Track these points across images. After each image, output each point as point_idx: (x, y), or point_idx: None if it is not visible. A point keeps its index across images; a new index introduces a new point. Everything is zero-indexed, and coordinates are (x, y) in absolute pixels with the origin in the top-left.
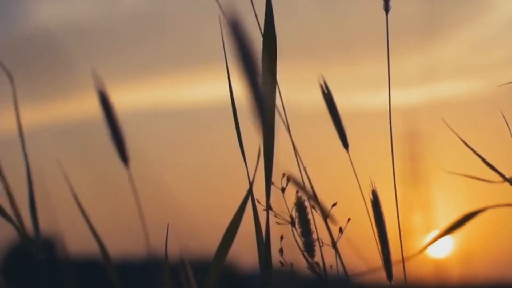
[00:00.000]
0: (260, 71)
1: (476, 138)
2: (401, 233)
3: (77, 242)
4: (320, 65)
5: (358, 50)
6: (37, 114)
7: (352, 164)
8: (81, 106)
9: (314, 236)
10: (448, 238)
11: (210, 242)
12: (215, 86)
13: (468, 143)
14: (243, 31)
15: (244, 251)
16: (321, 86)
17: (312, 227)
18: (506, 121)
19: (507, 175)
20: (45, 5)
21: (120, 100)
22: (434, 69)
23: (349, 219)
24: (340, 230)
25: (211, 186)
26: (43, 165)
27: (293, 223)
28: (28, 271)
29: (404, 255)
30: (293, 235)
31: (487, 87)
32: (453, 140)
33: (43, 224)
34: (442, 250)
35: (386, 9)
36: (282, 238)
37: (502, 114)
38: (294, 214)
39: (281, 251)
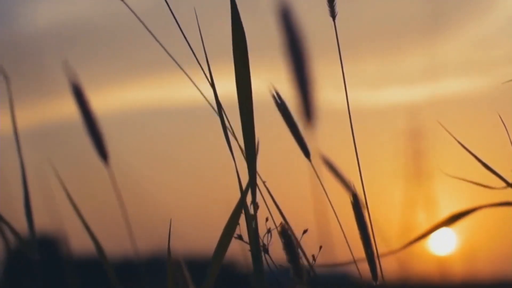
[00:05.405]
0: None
1: (477, 137)
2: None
3: (78, 241)
4: (321, 62)
5: (359, 48)
6: (29, 115)
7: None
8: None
9: (301, 261)
10: (451, 235)
11: (210, 240)
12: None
13: (470, 141)
14: (293, 20)
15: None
16: (274, 96)
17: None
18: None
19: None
20: (44, 4)
21: (121, 99)
22: (436, 67)
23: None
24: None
25: (213, 184)
26: (43, 165)
27: (265, 250)
28: (30, 271)
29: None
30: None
31: (489, 84)
32: (456, 137)
33: (45, 224)
34: (446, 248)
35: (333, 15)
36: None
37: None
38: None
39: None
